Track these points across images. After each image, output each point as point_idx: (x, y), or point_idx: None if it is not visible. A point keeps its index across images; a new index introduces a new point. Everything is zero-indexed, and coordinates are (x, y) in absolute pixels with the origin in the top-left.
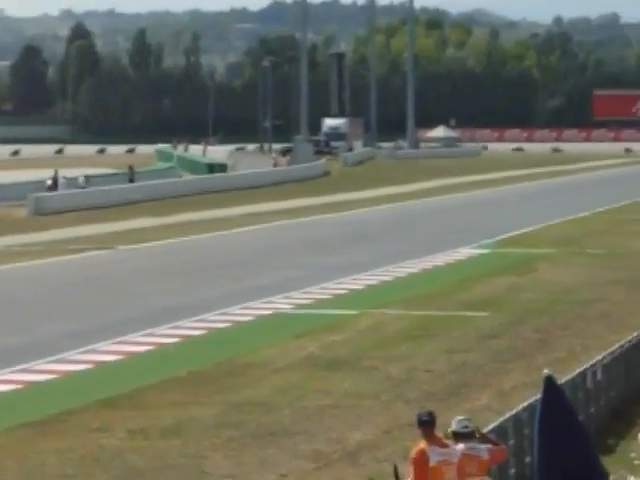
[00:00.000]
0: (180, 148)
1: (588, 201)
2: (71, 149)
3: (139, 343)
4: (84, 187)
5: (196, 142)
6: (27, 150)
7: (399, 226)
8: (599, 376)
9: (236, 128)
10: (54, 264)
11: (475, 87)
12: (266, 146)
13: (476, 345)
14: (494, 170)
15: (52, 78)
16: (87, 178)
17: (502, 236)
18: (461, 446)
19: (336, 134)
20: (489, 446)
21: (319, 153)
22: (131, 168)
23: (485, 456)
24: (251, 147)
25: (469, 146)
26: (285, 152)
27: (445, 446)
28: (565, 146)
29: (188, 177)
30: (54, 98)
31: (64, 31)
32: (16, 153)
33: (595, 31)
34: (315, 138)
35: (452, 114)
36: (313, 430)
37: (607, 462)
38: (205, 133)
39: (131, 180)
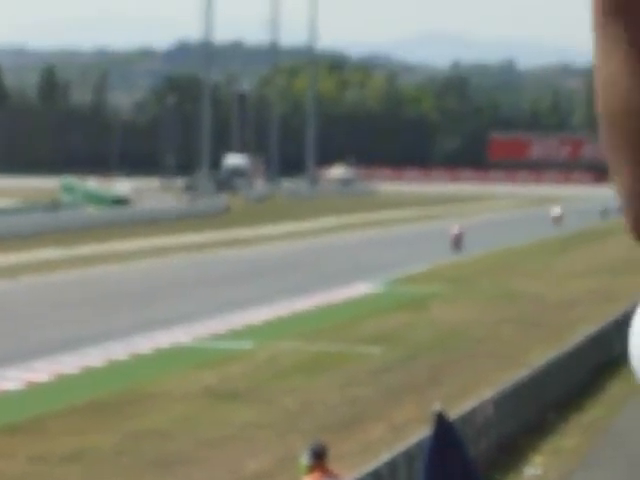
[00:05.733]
0: (97, 183)
1: (483, 241)
2: None
3: (40, 371)
4: None
5: (101, 176)
6: None
7: (296, 262)
8: (489, 412)
9: (140, 163)
10: None
11: (375, 128)
12: (168, 182)
13: (369, 379)
14: (390, 208)
15: None
16: None
17: (395, 274)
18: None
19: (237, 171)
20: None
21: (220, 189)
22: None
23: None
24: (154, 183)
25: (366, 185)
26: (188, 188)
27: (336, 477)
28: (460, 187)
29: (92, 210)
30: None
31: None
32: None
33: (492, 76)
34: (217, 174)
35: (352, 153)
36: (211, 459)
37: None
38: (109, 168)
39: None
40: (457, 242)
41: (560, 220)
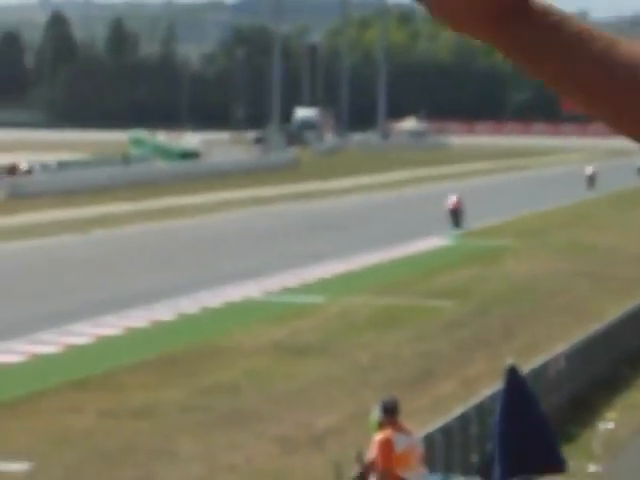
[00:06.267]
0: (165, 136)
1: (554, 194)
2: (46, 134)
3: (111, 326)
4: (57, 172)
5: (170, 130)
6: (2, 134)
7: (368, 216)
8: (562, 366)
9: (209, 117)
10: (28, 247)
11: (446, 80)
12: (239, 135)
13: (441, 334)
14: (461, 162)
15: (29, 64)
16: (60, 163)
17: (468, 227)
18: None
19: (308, 124)
20: None
21: (291, 143)
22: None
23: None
24: (224, 136)
25: (438, 138)
26: (258, 141)
27: (409, 434)
28: (533, 140)
29: (161, 164)
30: (31, 84)
31: (42, 18)
32: None
33: None
34: (287, 128)
35: (423, 106)
36: (280, 414)
37: (568, 450)
38: (178, 121)
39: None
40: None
41: (593, 180)
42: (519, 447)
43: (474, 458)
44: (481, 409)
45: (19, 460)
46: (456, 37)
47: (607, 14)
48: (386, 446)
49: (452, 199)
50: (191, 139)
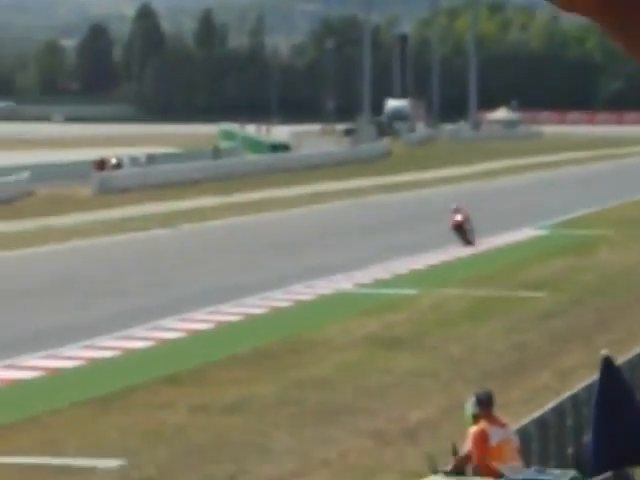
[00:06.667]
0: (255, 129)
1: None
2: (135, 128)
3: (202, 320)
4: (146, 166)
5: (258, 123)
6: (92, 129)
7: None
8: None
9: (299, 109)
10: (118, 241)
11: (537, 70)
12: (329, 127)
13: (535, 325)
14: (555, 152)
15: (117, 58)
16: (149, 157)
17: (562, 217)
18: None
19: (399, 115)
20: None
21: (382, 134)
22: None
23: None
24: (314, 128)
25: (530, 128)
26: (348, 133)
27: (503, 426)
28: (626, 129)
29: (251, 157)
30: (119, 77)
31: (130, 11)
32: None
33: None
34: (378, 119)
35: (514, 96)
36: (374, 408)
37: None
38: (268, 113)
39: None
40: None
41: None
42: (614, 438)
43: (569, 450)
44: (576, 400)
45: (112, 457)
46: (547, 26)
47: None
48: (481, 439)
49: (455, 215)
50: (281, 131)
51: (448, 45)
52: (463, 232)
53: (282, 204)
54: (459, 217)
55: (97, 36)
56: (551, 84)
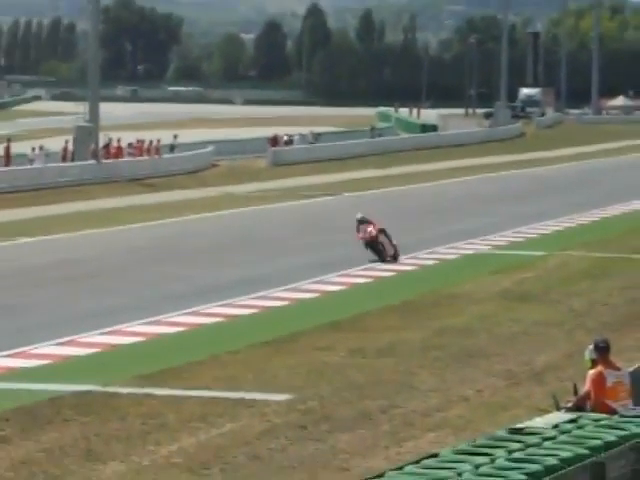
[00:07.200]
0: (406, 112)
1: None
2: (303, 110)
3: (361, 276)
4: (313, 142)
5: (410, 106)
6: (267, 110)
7: (583, 181)
8: None
9: (445, 95)
10: (289, 206)
11: None
12: (471, 110)
13: None
14: None
15: (290, 50)
16: (315, 135)
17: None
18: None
19: (531, 101)
20: None
21: (516, 117)
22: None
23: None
24: (458, 111)
25: None
26: (487, 116)
27: (618, 369)
28: None
29: (404, 136)
30: (291, 67)
31: (301, 9)
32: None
33: None
34: (513, 104)
35: (631, 86)
36: (506, 353)
37: None
38: (419, 99)
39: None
40: None
41: None
42: None
43: None
44: None
45: (280, 392)
46: None
47: None
48: (598, 380)
49: (367, 227)
50: (430, 114)
51: (574, 42)
52: (377, 244)
53: (430, 176)
54: (371, 229)
55: (272, 31)
56: None
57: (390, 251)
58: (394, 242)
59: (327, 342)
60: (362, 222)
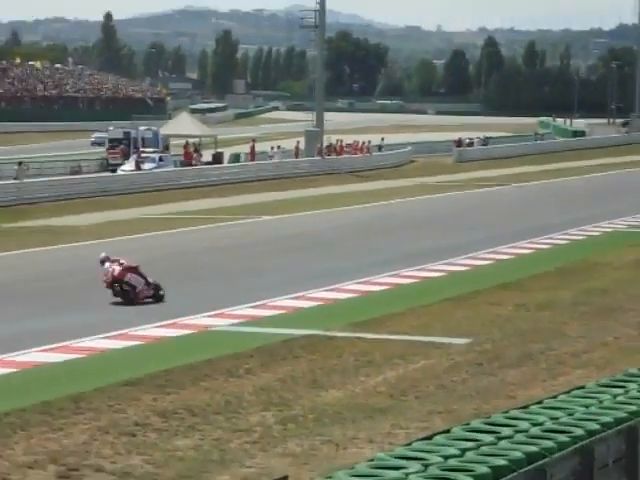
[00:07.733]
0: (561, 121)
1: None
2: (481, 119)
3: (526, 248)
4: (484, 144)
5: (564, 117)
6: (453, 119)
7: None
8: None
9: (591, 108)
10: (470, 194)
11: None
12: (611, 120)
13: None
14: None
15: (471, 72)
16: (486, 138)
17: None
18: None
19: None
20: None
21: None
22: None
23: None
24: (601, 121)
25: None
26: (624, 124)
27: None
28: None
29: (559, 140)
30: (472, 85)
31: (480, 41)
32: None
33: None
34: None
35: None
36: (638, 309)
37: None
38: (571, 111)
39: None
40: None
41: None
42: None
43: None
44: None
45: (462, 337)
46: None
47: None
48: None
49: (111, 266)
50: (579, 123)
51: None
52: (123, 286)
53: (579, 171)
54: (115, 268)
55: (458, 57)
56: None
57: (147, 292)
58: (150, 280)
59: (498, 299)
60: (105, 261)
